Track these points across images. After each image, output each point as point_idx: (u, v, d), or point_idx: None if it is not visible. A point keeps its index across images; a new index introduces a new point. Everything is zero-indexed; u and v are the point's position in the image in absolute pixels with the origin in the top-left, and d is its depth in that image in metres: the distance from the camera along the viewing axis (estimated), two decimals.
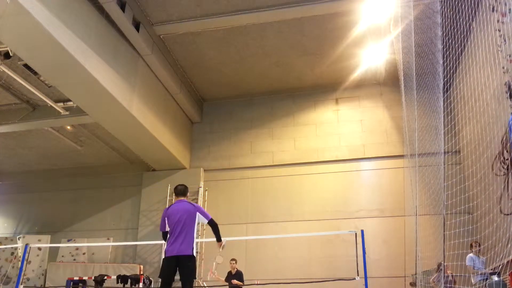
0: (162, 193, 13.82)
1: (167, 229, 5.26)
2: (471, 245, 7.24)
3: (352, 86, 13.71)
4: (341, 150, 13.36)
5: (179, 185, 5.60)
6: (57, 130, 14.03)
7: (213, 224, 5.51)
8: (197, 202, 13.46)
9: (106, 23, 9.65)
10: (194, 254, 5.21)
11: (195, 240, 5.29)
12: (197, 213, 5.38)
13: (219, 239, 5.63)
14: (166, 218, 5.27)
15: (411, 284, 10.17)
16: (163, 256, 5.16)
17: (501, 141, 4.16)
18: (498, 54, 6.35)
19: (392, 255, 11.58)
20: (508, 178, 3.93)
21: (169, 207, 5.40)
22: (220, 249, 5.74)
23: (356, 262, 7.99)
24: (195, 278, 5.32)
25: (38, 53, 8.40)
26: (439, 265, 8.00)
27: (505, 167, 4.12)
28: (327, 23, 10.91)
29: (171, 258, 5.07)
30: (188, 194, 5.66)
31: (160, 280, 5.33)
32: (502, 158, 4.16)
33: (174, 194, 5.57)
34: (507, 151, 3.98)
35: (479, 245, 7.30)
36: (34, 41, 7.92)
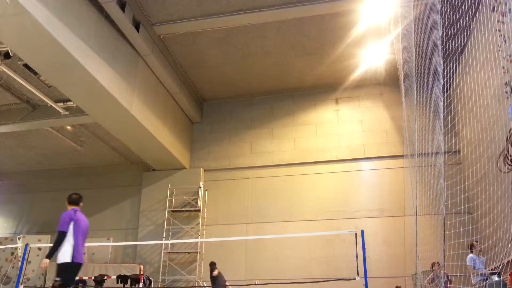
0: (162, 193, 13.82)
1: (70, 231, 5.27)
2: (471, 245, 7.23)
3: (352, 86, 13.71)
4: (341, 150, 13.36)
5: (75, 193, 5.78)
6: (57, 130, 14.03)
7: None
8: (197, 202, 13.49)
9: (106, 23, 9.64)
10: None
11: None
12: None
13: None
14: (73, 222, 5.34)
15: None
16: (69, 260, 5.08)
17: (507, 137, 4.13)
18: (498, 54, 6.36)
19: (392, 255, 11.58)
20: None
21: (74, 212, 5.50)
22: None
23: (356, 262, 7.98)
24: None
25: (38, 53, 8.40)
26: (433, 264, 8.00)
27: (510, 162, 4.10)
28: (327, 23, 10.91)
29: (80, 265, 5.23)
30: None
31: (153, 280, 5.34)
32: (506, 154, 4.14)
33: (70, 202, 5.66)
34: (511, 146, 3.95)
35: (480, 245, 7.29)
36: (34, 41, 7.92)
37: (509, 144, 4.05)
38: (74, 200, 5.66)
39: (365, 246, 8.14)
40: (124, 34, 10.21)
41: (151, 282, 11.95)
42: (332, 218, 12.58)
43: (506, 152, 4.09)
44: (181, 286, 12.54)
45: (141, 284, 11.33)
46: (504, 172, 4.29)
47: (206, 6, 10.24)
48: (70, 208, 5.55)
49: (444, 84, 5.79)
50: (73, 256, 5.08)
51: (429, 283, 8.17)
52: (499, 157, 4.44)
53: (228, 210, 13.51)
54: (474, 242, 7.13)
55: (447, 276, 7.71)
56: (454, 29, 6.15)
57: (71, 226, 5.29)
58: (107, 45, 9.64)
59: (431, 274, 8.15)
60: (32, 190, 16.64)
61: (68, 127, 13.88)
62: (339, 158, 13.30)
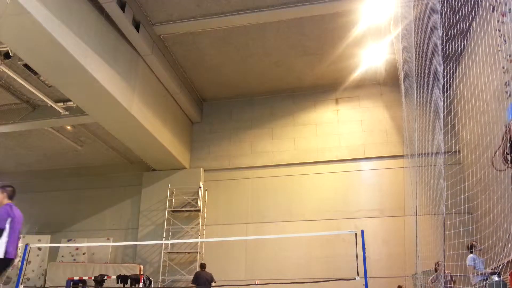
0: (162, 193, 13.82)
1: (7, 227, 5.24)
2: (471, 246, 7.23)
3: (352, 86, 13.72)
4: (341, 150, 13.36)
5: (10, 186, 5.63)
6: (57, 130, 14.03)
7: None
8: (197, 202, 13.48)
9: (106, 23, 9.64)
10: None
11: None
12: None
13: None
14: (10, 218, 5.29)
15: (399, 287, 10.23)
16: (1, 255, 5.15)
17: (505, 131, 4.08)
18: (498, 54, 6.36)
19: (392, 255, 11.58)
20: None
21: (10, 208, 5.41)
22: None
23: (356, 262, 7.98)
24: None
25: (38, 53, 8.40)
26: (436, 264, 8.00)
27: (509, 159, 4.06)
28: (327, 23, 10.91)
29: (12, 260, 5.27)
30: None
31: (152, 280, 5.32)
32: (502, 152, 4.10)
33: (10, 196, 5.52)
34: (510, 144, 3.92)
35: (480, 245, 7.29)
36: (34, 41, 7.92)
37: (506, 142, 4.01)
38: (11, 195, 5.55)
39: (365, 246, 8.15)
40: (124, 34, 10.21)
41: (151, 282, 11.95)
42: (332, 218, 12.58)
43: (502, 150, 4.05)
44: (181, 286, 12.54)
45: (141, 284, 11.32)
46: (499, 170, 4.27)
47: (206, 6, 10.24)
48: (6, 202, 5.45)
49: (444, 84, 5.79)
50: (6, 252, 5.15)
51: (432, 282, 8.17)
52: (494, 154, 4.39)
53: (228, 210, 13.52)
54: (473, 242, 7.14)
55: (451, 276, 7.71)
56: (454, 29, 6.15)
57: (8, 223, 5.28)
58: (107, 45, 9.64)
59: (435, 273, 8.14)
60: (32, 190, 16.62)
61: (68, 127, 13.88)
62: (339, 158, 13.30)
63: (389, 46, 11.56)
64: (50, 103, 11.87)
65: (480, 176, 7.54)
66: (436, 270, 8.16)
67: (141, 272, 12.29)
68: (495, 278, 6.21)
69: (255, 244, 12.77)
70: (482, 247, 7.14)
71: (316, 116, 14.02)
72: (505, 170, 4.11)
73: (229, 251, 12.82)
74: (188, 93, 13.83)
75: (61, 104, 12.18)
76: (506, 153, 4.00)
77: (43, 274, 13.90)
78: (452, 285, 7.67)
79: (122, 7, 9.53)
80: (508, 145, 4.01)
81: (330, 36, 11.44)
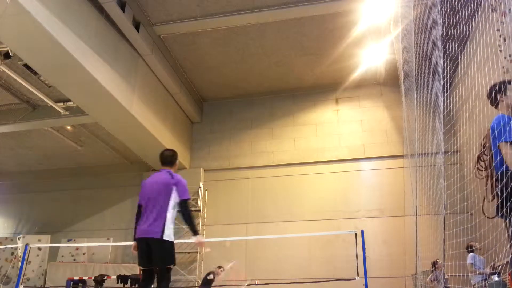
0: None
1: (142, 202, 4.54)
2: (470, 246, 7.23)
3: (352, 86, 13.71)
4: (341, 150, 13.36)
5: (166, 150, 4.83)
6: (57, 130, 14.02)
7: (185, 209, 4.44)
8: (197, 202, 13.46)
9: (106, 23, 9.65)
10: (168, 238, 4.32)
11: (170, 220, 4.38)
12: (174, 187, 4.42)
13: (195, 232, 4.44)
14: (141, 191, 4.60)
15: None
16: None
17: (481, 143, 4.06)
18: (498, 54, 6.36)
19: (392, 255, 11.58)
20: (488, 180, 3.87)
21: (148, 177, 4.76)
22: (203, 251, 4.93)
23: (356, 262, 7.99)
24: (172, 264, 4.41)
25: (38, 53, 8.40)
26: (433, 263, 8.01)
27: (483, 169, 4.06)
28: (327, 23, 10.91)
29: (141, 240, 4.35)
30: (177, 162, 4.82)
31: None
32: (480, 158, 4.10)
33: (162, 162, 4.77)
34: (485, 154, 3.90)
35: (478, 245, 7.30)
36: (34, 41, 7.92)
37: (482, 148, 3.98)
38: (163, 160, 4.80)
39: (365, 246, 8.16)
40: (124, 34, 10.22)
41: None
42: (332, 218, 12.58)
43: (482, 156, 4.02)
44: (181, 286, 12.54)
45: None
46: (480, 179, 4.24)
47: (206, 6, 10.24)
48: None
49: (444, 84, 5.80)
50: (135, 232, 4.59)
51: (431, 281, 8.16)
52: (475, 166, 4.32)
53: (228, 210, 13.51)
54: (471, 243, 7.14)
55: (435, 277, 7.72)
56: (454, 29, 6.15)
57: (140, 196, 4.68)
58: (107, 45, 9.64)
59: (434, 271, 8.14)
60: (32, 190, 16.64)
61: (68, 127, 13.88)
62: (339, 158, 13.29)
63: (389, 46, 11.56)
64: (50, 103, 11.87)
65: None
66: (435, 268, 8.15)
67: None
68: (495, 278, 6.22)
69: (255, 244, 12.77)
70: (478, 245, 7.15)
71: (316, 116, 14.02)
72: (482, 178, 4.08)
73: (229, 251, 12.80)
74: (188, 93, 13.83)
75: (61, 104, 12.18)
76: (483, 159, 4.00)
77: (43, 274, 13.90)
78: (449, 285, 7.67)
79: (122, 7, 9.54)
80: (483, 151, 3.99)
81: (330, 36, 11.44)
